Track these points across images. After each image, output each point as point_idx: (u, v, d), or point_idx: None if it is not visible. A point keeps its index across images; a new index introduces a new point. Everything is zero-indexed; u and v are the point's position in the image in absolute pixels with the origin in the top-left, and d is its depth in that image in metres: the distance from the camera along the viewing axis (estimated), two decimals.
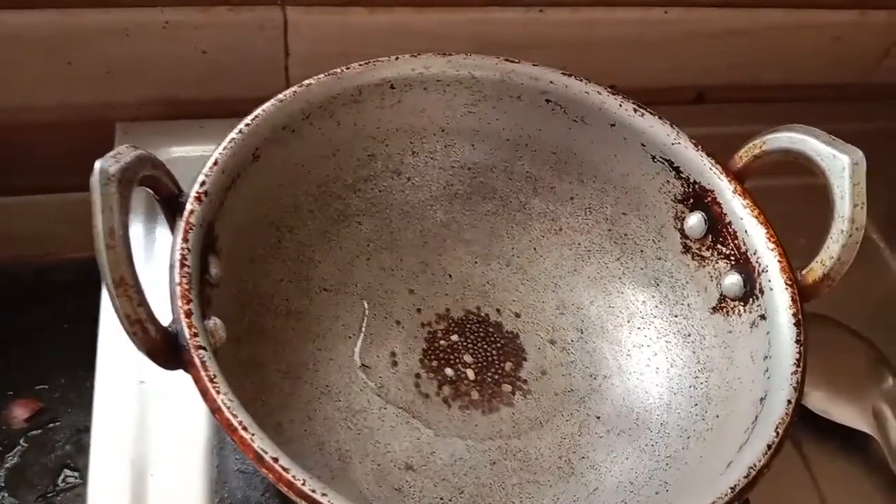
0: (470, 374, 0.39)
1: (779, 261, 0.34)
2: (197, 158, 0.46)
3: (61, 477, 0.50)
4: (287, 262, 0.38)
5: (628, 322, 0.40)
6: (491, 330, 0.40)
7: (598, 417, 0.38)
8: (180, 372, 0.28)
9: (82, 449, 0.50)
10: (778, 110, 0.60)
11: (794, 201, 0.41)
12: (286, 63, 0.50)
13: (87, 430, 0.51)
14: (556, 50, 0.53)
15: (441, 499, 0.34)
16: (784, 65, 0.59)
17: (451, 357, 0.39)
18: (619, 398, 0.38)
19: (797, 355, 0.31)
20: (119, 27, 0.46)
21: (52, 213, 0.54)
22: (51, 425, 0.52)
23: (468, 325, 0.40)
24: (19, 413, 0.51)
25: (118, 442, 0.36)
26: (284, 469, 0.25)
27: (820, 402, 0.42)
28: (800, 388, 0.30)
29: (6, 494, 0.48)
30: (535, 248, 0.42)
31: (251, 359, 0.35)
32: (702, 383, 0.36)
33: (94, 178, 0.26)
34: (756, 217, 0.35)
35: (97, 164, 0.26)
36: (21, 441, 0.51)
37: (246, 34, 0.48)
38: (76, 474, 0.50)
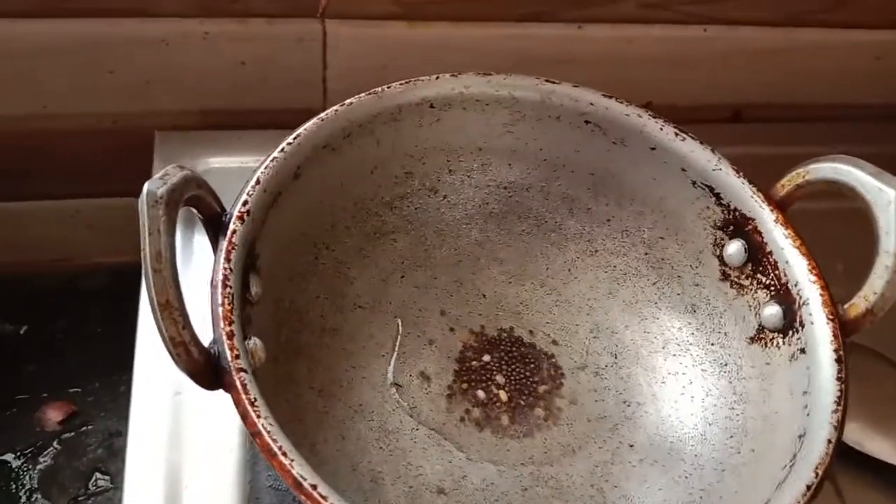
0: (503, 395, 0.38)
1: (821, 294, 0.33)
2: (235, 169, 0.46)
3: (92, 480, 0.51)
4: (324, 278, 0.38)
5: (663, 349, 0.39)
6: (524, 351, 0.40)
7: (632, 446, 0.37)
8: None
9: (114, 453, 0.51)
10: (816, 130, 0.59)
11: (831, 226, 0.40)
12: (324, 75, 0.50)
13: (119, 434, 0.52)
14: (593, 66, 0.53)
15: None
16: (822, 84, 0.58)
17: (484, 378, 0.39)
18: (653, 426, 0.38)
19: (838, 393, 0.30)
20: (159, 38, 0.46)
21: (84, 218, 0.54)
22: (83, 429, 0.52)
23: (501, 346, 0.40)
24: (53, 416, 0.52)
25: (153, 454, 0.36)
26: (322, 497, 0.25)
27: (854, 433, 0.41)
28: (840, 428, 0.30)
29: (39, 496, 0.49)
30: (569, 270, 0.42)
31: (287, 377, 0.35)
32: (738, 415, 0.35)
33: (142, 201, 0.26)
34: (798, 248, 0.35)
35: (145, 187, 0.26)
36: (54, 443, 0.52)
37: (285, 46, 0.48)
38: (107, 478, 0.51)
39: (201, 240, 0.42)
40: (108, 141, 0.50)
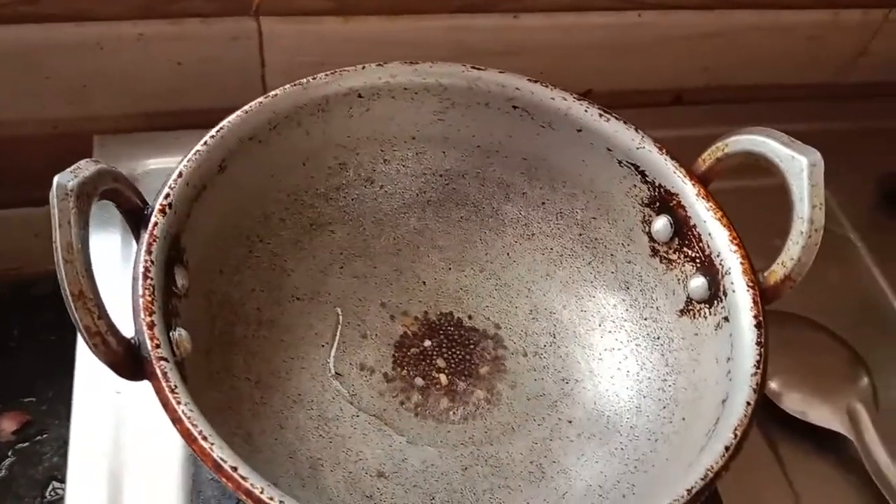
0: (443, 379, 0.39)
1: (741, 263, 0.34)
2: (174, 169, 0.46)
3: (49, 488, 0.51)
4: (259, 271, 0.38)
5: (600, 326, 0.40)
6: (464, 334, 0.41)
7: (570, 422, 0.38)
8: None
9: None
10: (756, 110, 0.60)
11: (768, 202, 0.41)
12: (263, 73, 0.50)
13: None
14: (531, 55, 0.53)
15: None
16: (760, 66, 0.59)
17: (424, 363, 0.39)
18: (591, 402, 0.38)
19: (757, 357, 0.31)
20: (94, 41, 0.46)
21: (32, 226, 0.54)
22: (38, 437, 0.52)
23: (441, 331, 0.40)
24: (7, 426, 0.52)
25: (95, 452, 0.37)
26: (243, 478, 0.25)
27: (796, 403, 0.42)
28: (759, 391, 0.30)
29: None
30: (508, 254, 0.42)
31: (223, 368, 0.35)
32: (670, 386, 0.36)
33: (53, 194, 0.26)
34: (719, 220, 0.35)
35: (55, 180, 0.27)
36: (9, 453, 0.51)
37: (221, 46, 0.48)
38: (64, 486, 0.51)
39: None
40: (50, 147, 0.50)
